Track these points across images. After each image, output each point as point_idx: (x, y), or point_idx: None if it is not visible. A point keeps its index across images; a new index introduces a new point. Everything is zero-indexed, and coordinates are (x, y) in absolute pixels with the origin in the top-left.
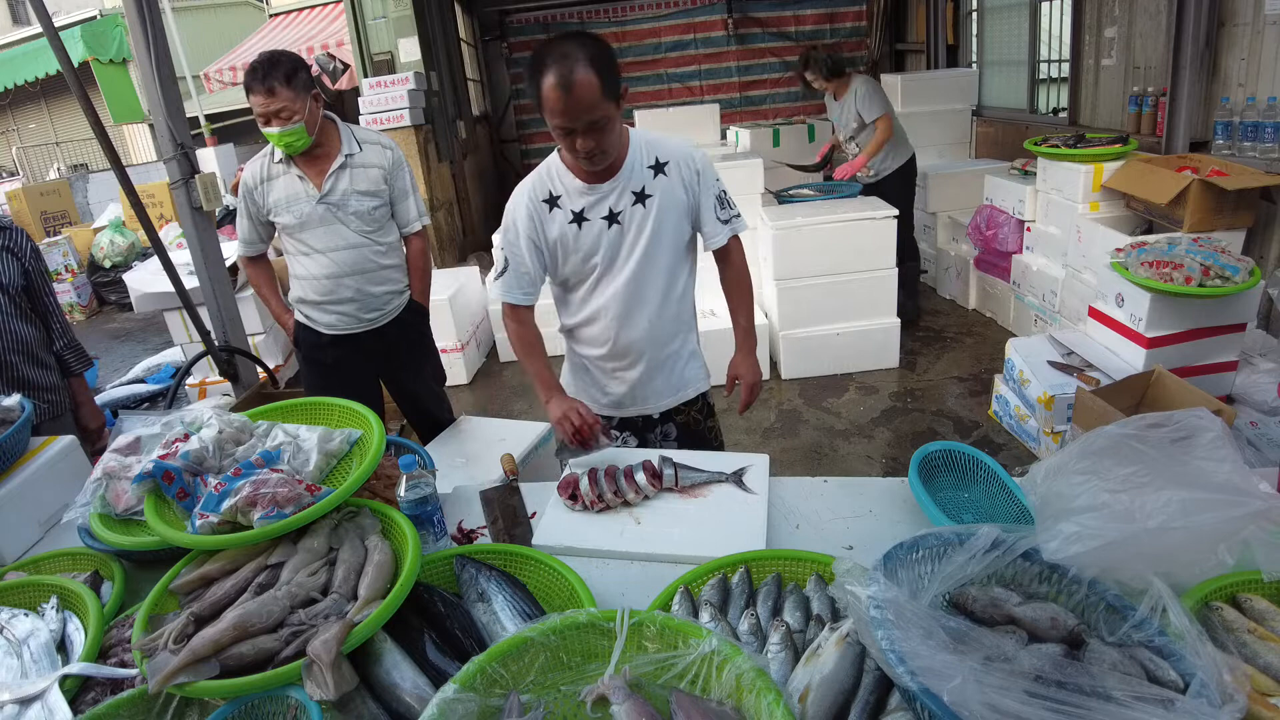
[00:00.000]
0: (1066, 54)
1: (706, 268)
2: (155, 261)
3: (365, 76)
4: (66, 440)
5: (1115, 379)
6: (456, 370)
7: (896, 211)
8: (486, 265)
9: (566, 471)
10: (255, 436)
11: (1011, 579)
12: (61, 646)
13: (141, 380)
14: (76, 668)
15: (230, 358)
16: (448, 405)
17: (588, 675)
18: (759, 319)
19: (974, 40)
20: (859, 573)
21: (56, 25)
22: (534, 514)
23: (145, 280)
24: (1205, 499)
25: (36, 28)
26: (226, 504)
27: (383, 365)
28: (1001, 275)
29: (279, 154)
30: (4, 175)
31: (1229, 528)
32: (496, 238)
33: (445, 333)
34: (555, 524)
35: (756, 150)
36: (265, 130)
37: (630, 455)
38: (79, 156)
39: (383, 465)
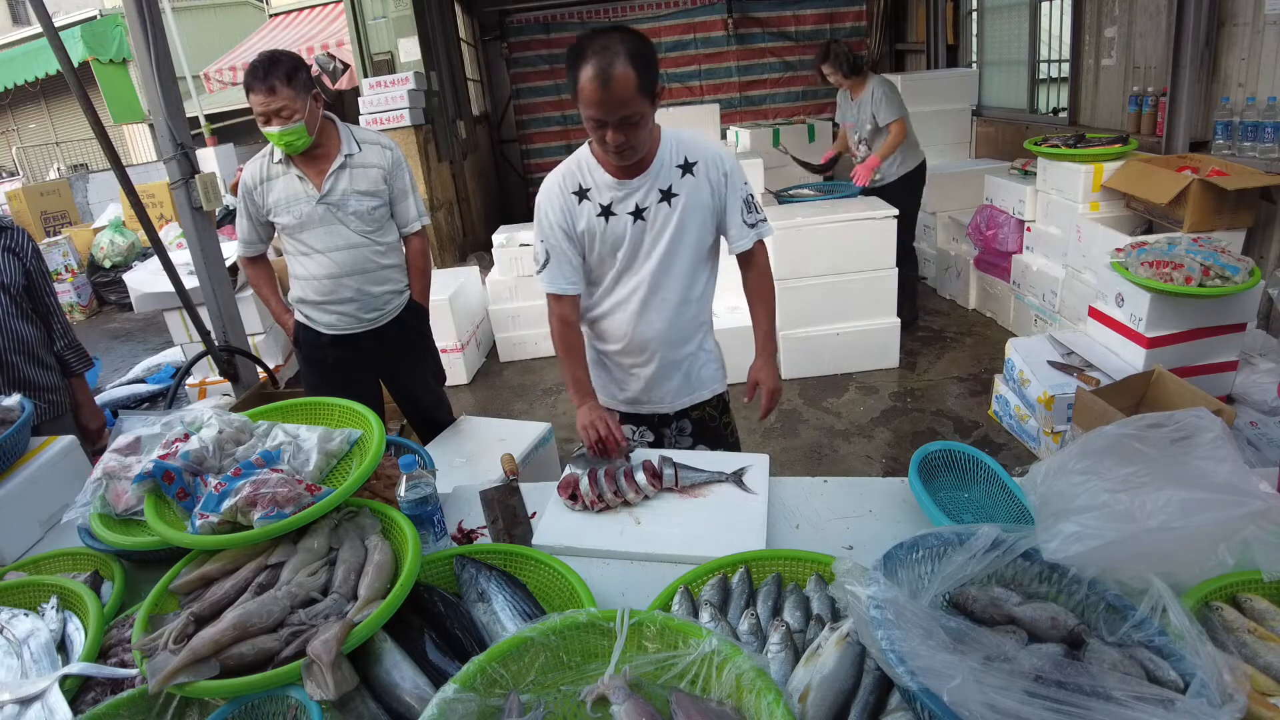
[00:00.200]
0: (1066, 54)
1: (728, 269)
2: (155, 261)
3: (365, 76)
4: (66, 440)
5: (1115, 379)
6: (456, 370)
7: (896, 211)
8: (486, 265)
9: (566, 471)
10: (255, 436)
11: (1011, 579)
12: (61, 646)
13: (141, 380)
14: (76, 668)
15: (230, 358)
16: (448, 405)
17: (588, 675)
18: None
19: (974, 40)
20: (859, 573)
21: (56, 25)
22: (534, 514)
23: (145, 280)
24: (1205, 499)
25: (36, 28)
26: (226, 504)
27: (383, 365)
28: (1001, 275)
29: (278, 154)
30: (4, 175)
31: (1229, 528)
32: (524, 235)
33: (445, 333)
34: (555, 524)
35: (757, 150)
36: (265, 130)
37: (630, 456)
38: (79, 156)
39: (383, 465)
